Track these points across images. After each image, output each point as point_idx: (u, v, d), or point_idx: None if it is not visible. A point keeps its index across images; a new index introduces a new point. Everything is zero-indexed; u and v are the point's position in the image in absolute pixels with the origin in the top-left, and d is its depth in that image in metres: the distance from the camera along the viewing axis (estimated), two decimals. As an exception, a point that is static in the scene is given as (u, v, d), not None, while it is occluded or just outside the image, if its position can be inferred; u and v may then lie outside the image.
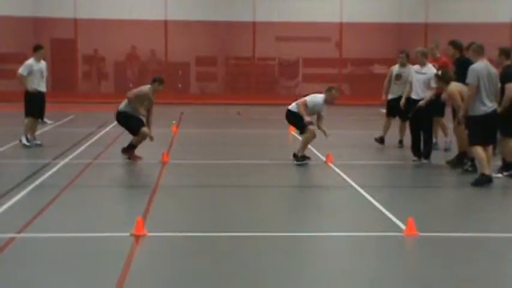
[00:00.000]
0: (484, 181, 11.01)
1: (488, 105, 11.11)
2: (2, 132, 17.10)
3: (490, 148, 11.39)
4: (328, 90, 13.35)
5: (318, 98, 13.32)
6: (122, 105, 13.26)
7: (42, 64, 15.18)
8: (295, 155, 13.14)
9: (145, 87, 13.32)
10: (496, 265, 7.25)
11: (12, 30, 28.63)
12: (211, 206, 9.76)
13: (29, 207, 9.26)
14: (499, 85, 11.34)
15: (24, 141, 14.88)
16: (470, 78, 11.10)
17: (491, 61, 11.57)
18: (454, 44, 13.17)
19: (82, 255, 7.35)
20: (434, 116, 13.76)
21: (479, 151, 11.06)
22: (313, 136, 13.21)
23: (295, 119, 13.35)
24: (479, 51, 11.36)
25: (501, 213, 9.80)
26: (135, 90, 13.35)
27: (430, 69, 13.19)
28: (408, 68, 15.10)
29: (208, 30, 29.58)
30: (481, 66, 11.14)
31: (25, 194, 10.12)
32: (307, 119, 13.06)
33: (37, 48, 15.24)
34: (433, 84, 12.84)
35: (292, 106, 13.37)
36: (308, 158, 13.20)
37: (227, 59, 30.74)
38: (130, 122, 13.17)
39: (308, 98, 13.36)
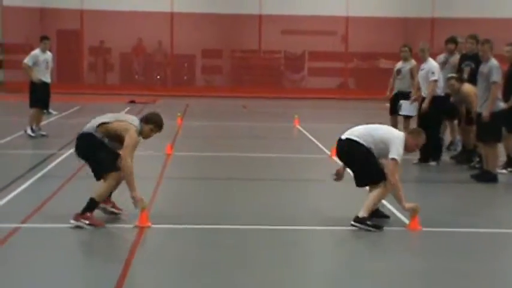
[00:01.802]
0: (491, 179, 11.04)
1: (502, 101, 11.16)
2: (9, 123, 17.14)
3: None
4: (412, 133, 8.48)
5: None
6: (93, 127, 8.15)
7: (48, 55, 15.22)
8: (357, 219, 8.16)
9: (130, 125, 8.13)
10: (498, 261, 7.26)
11: (19, 20, 28.66)
12: (215, 199, 9.78)
13: (34, 198, 9.29)
14: None
15: (29, 131, 14.91)
16: (498, 76, 10.98)
17: (497, 56, 11.52)
18: (476, 38, 12.92)
19: (86, 246, 7.38)
20: (447, 119, 13.53)
21: (498, 149, 11.11)
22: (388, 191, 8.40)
23: (360, 159, 8.30)
24: (492, 48, 11.36)
25: (505, 209, 9.80)
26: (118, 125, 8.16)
27: (429, 64, 12.82)
28: (410, 63, 14.99)
29: (214, 23, 29.54)
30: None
31: (30, 184, 10.15)
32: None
33: (42, 39, 15.28)
34: (432, 77, 12.62)
35: (356, 134, 8.32)
36: (379, 227, 8.20)
37: (233, 52, 30.72)
38: (100, 153, 8.13)
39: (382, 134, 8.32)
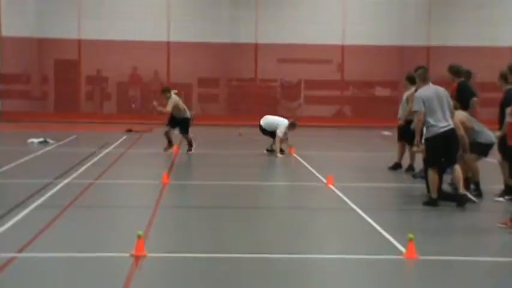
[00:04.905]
0: (431, 203, 11.20)
1: (439, 126, 11.15)
2: (6, 152, 17.15)
3: (458, 168, 11.36)
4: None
5: None
6: None
7: None
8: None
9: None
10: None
11: (17, 51, 28.81)
12: (211, 227, 9.76)
13: (30, 227, 9.27)
14: (451, 103, 11.36)
15: None
16: (416, 105, 11.25)
17: (493, 85, 11.60)
18: (450, 69, 13.02)
19: (82, 275, 7.36)
20: None
21: (431, 173, 11.19)
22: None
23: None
24: (424, 78, 11.50)
25: (502, 236, 9.78)
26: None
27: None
28: (410, 90, 15.14)
29: (210, 52, 29.70)
30: (426, 91, 11.26)
31: (26, 213, 10.12)
32: None
33: None
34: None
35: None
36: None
37: (229, 81, 30.86)
38: None
39: None
